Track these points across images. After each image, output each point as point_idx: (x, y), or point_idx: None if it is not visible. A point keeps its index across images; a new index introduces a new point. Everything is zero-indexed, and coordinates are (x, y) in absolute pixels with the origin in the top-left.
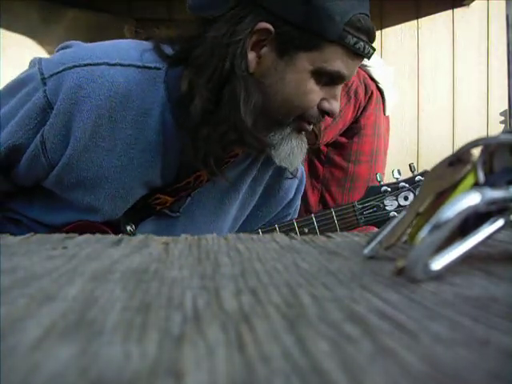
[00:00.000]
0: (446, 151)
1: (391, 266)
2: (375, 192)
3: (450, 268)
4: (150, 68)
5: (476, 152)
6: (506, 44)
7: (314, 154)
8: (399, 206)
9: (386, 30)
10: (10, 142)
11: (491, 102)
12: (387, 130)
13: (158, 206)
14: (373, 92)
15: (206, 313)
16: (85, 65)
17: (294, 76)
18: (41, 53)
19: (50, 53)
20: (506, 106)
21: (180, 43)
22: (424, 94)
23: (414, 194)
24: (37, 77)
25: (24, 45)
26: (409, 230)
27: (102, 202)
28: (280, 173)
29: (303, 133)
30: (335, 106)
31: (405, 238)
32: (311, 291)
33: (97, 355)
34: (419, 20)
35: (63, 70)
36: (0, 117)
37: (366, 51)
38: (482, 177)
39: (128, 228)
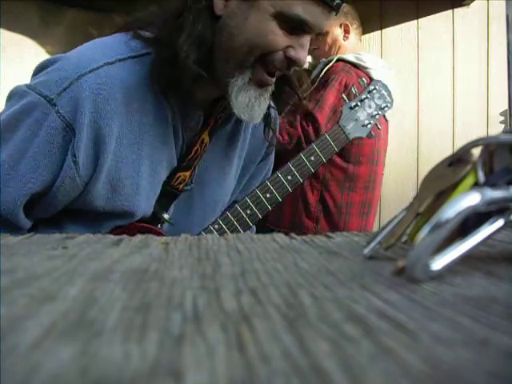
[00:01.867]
0: (446, 151)
1: (391, 266)
2: (347, 109)
3: (450, 268)
4: (143, 55)
5: (476, 152)
6: (506, 44)
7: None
8: (368, 114)
9: (386, 30)
10: (35, 176)
11: (491, 102)
12: (386, 132)
13: (180, 186)
14: None
15: (205, 313)
16: (89, 71)
17: (255, 16)
18: (41, 53)
19: (49, 53)
20: (506, 106)
21: (154, 24)
22: (424, 94)
23: (374, 100)
24: (40, 101)
25: (24, 45)
26: (409, 230)
27: (138, 203)
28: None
29: (266, 88)
30: (301, 54)
31: (405, 237)
32: (311, 291)
33: (97, 355)
34: (419, 20)
35: (70, 84)
36: (8, 154)
37: None
38: (481, 177)
39: (165, 217)
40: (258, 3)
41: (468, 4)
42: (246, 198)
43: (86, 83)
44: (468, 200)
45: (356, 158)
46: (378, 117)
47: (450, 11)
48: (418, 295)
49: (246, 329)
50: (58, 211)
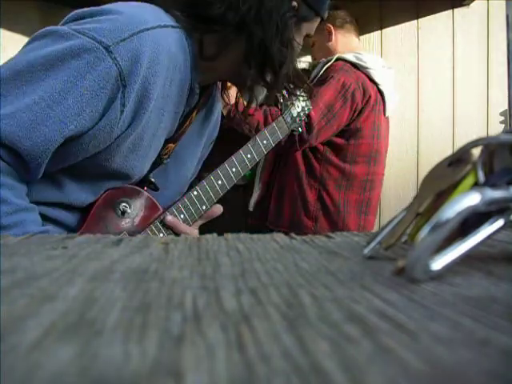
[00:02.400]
0: (446, 151)
1: (391, 266)
2: (285, 105)
3: (450, 268)
4: (178, 27)
5: (476, 152)
6: (506, 44)
7: (311, 153)
8: (297, 112)
9: (386, 30)
10: (80, 117)
11: (491, 102)
12: (387, 130)
13: (165, 156)
14: (371, 95)
15: (205, 313)
16: (147, 29)
17: (298, 38)
18: None
19: None
20: (506, 106)
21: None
22: (424, 94)
23: (300, 102)
24: (94, 46)
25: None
26: (409, 230)
27: (142, 162)
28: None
29: None
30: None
31: (405, 237)
32: (311, 291)
33: (97, 355)
34: (419, 20)
35: (132, 35)
36: (47, 93)
37: (324, 17)
38: (481, 177)
39: (152, 179)
40: (301, 27)
41: (468, 4)
42: (218, 170)
43: (145, 39)
44: (468, 200)
45: (353, 158)
46: (302, 114)
47: (450, 11)
48: (417, 295)
49: (246, 329)
50: (68, 164)
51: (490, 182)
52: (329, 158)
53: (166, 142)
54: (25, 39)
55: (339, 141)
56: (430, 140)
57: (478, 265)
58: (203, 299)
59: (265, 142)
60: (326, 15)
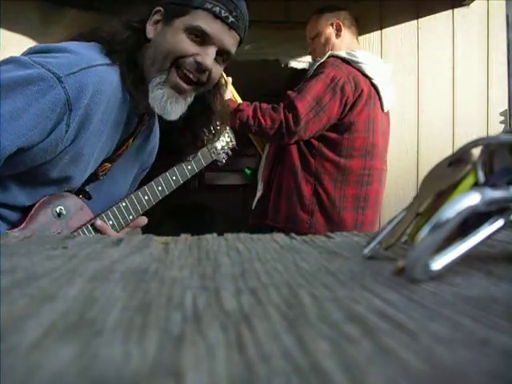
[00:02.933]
0: (446, 151)
1: (391, 266)
2: (208, 140)
3: (450, 268)
4: (117, 64)
5: (476, 152)
6: (506, 44)
7: (306, 148)
8: (221, 146)
9: (386, 30)
10: (31, 133)
11: (491, 102)
12: (387, 125)
13: (100, 173)
14: (363, 90)
15: (205, 313)
16: (93, 66)
17: (171, 33)
18: None
19: None
20: (506, 106)
21: (117, 43)
22: (424, 94)
23: (224, 138)
24: (48, 76)
25: (24, 45)
26: (409, 230)
27: (80, 174)
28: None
29: (183, 96)
30: (206, 59)
31: (405, 237)
32: (311, 291)
33: (97, 355)
34: (419, 20)
35: (80, 70)
36: (5, 111)
37: (222, 15)
38: (481, 177)
39: (87, 189)
40: (173, 23)
41: (468, 4)
42: (145, 187)
43: (91, 74)
44: (468, 200)
45: (348, 152)
46: (226, 148)
47: (450, 11)
48: (417, 295)
49: (245, 329)
50: (17, 171)
51: (490, 182)
52: (324, 153)
53: (104, 161)
54: (25, 39)
55: (333, 135)
56: (430, 140)
57: (478, 265)
58: (203, 299)
59: (189, 167)
60: (204, 4)
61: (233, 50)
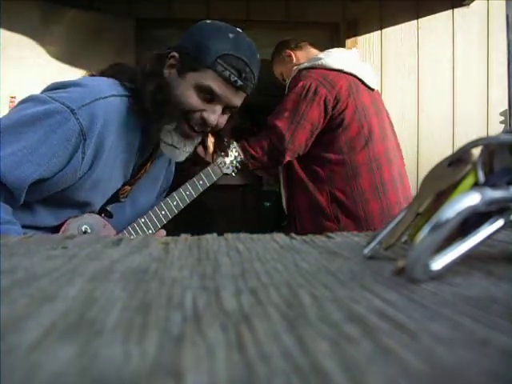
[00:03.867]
0: (446, 151)
1: (391, 266)
2: (221, 156)
3: (450, 268)
4: (127, 96)
5: (476, 152)
6: (506, 44)
7: (308, 161)
8: (230, 161)
9: (386, 30)
10: (51, 161)
11: (491, 102)
12: (381, 104)
13: (121, 195)
14: (341, 85)
15: (205, 313)
16: (105, 97)
17: (183, 86)
18: (41, 53)
19: (49, 52)
20: (506, 106)
21: (133, 79)
22: (424, 94)
23: (233, 152)
24: (63, 109)
25: (24, 45)
26: (409, 230)
27: (99, 198)
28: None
29: (191, 140)
30: (211, 116)
31: (405, 237)
32: (311, 291)
33: (97, 355)
34: (419, 20)
35: (91, 102)
36: (28, 143)
37: (232, 79)
38: (481, 177)
39: (109, 209)
40: (186, 76)
41: (468, 4)
42: (162, 203)
43: (100, 105)
44: (468, 200)
45: (348, 147)
46: (235, 162)
47: (450, 11)
48: (417, 295)
49: (245, 329)
50: (43, 196)
51: (490, 182)
52: (326, 157)
53: (124, 184)
54: (25, 39)
55: (328, 136)
56: (430, 140)
57: (478, 265)
58: (203, 299)
59: (201, 182)
60: (215, 66)
61: (239, 104)
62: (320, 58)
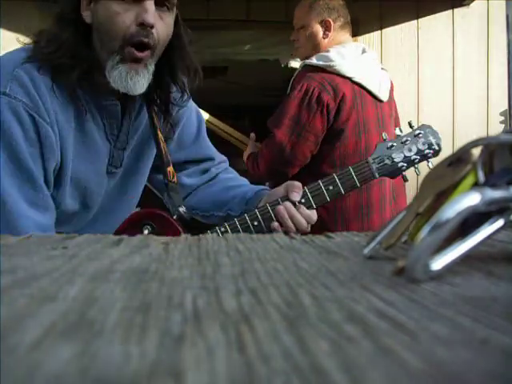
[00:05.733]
0: (446, 151)
1: (391, 266)
2: (383, 147)
3: (450, 268)
4: (31, 59)
5: (476, 152)
6: (506, 44)
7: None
8: (405, 156)
9: (386, 30)
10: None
11: (491, 102)
12: (389, 116)
13: (171, 182)
14: (345, 93)
15: (205, 313)
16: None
17: (103, 9)
18: None
19: None
20: (506, 106)
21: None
22: (424, 94)
23: (416, 145)
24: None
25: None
26: (409, 230)
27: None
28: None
29: (143, 64)
30: (146, 16)
31: (405, 237)
32: (311, 291)
33: (97, 355)
34: (419, 20)
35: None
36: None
37: None
38: (481, 177)
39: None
40: None
41: (468, 4)
42: (256, 210)
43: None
44: (468, 200)
45: (341, 161)
46: (416, 161)
47: (450, 11)
48: (417, 295)
49: (245, 329)
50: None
51: (490, 182)
52: (317, 169)
53: (162, 168)
54: (25, 39)
55: (324, 147)
56: None
57: (478, 265)
58: (203, 299)
59: (331, 187)
60: None
61: None
62: (331, 60)
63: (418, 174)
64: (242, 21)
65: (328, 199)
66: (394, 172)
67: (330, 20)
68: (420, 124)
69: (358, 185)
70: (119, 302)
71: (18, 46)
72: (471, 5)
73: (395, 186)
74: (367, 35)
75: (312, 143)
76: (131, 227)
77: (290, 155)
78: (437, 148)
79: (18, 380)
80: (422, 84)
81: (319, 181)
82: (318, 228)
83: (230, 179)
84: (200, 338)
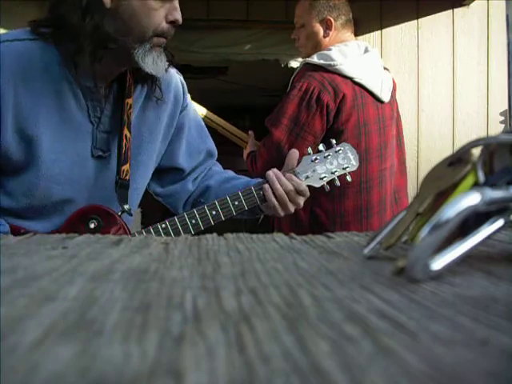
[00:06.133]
0: (446, 151)
1: (391, 266)
2: (308, 160)
3: (450, 268)
4: (38, 39)
5: (476, 152)
6: (506, 44)
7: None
8: (327, 169)
9: (386, 30)
10: None
11: (491, 102)
12: (390, 118)
13: (122, 179)
14: (345, 94)
15: (205, 313)
16: None
17: (137, 1)
18: None
19: None
20: (506, 106)
21: (49, 20)
22: (424, 94)
23: (337, 160)
24: None
25: None
26: (409, 230)
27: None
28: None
29: (162, 47)
30: (178, 15)
31: (405, 237)
32: (311, 291)
33: (97, 355)
34: (419, 20)
35: None
36: None
37: None
38: (482, 177)
39: (126, 207)
40: None
41: (468, 4)
42: (195, 210)
43: None
44: (468, 200)
45: None
46: (336, 174)
47: (449, 11)
48: (417, 295)
49: (245, 329)
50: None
51: (490, 182)
52: None
53: (117, 165)
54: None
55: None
56: (430, 140)
57: (477, 265)
58: (203, 299)
59: (261, 193)
60: None
61: None
62: (333, 59)
63: (337, 186)
64: (242, 21)
65: (258, 202)
66: (317, 182)
67: (331, 18)
68: (338, 144)
69: None
70: (119, 301)
71: None
72: (471, 5)
73: (397, 189)
74: (367, 35)
75: (310, 144)
76: (78, 221)
77: (286, 154)
78: (354, 163)
79: (18, 380)
80: (421, 84)
81: (251, 187)
82: (317, 230)
83: (223, 171)
84: (200, 338)
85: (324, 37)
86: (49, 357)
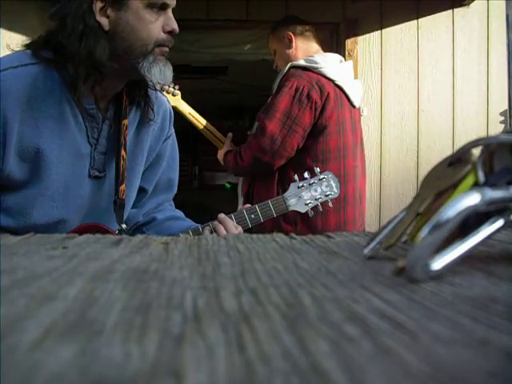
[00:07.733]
0: (446, 151)
1: (391, 265)
2: (295, 187)
3: (450, 268)
4: (39, 63)
5: (476, 152)
6: (506, 44)
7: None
8: (311, 196)
9: (386, 30)
10: None
11: (491, 101)
12: (358, 121)
13: (121, 197)
14: (329, 92)
15: (205, 313)
16: None
17: (133, 17)
18: None
19: None
20: (506, 106)
21: (49, 43)
22: (424, 94)
23: (321, 187)
24: None
25: None
26: (409, 230)
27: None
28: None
29: (165, 55)
30: (174, 25)
31: (405, 237)
32: (311, 291)
33: (97, 355)
34: (419, 20)
35: None
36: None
37: None
38: (482, 177)
39: (123, 226)
40: (128, 4)
41: (468, 4)
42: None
43: None
44: (468, 200)
45: (323, 156)
46: (320, 200)
47: (449, 11)
48: (417, 295)
49: (245, 329)
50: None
51: (490, 182)
52: (301, 161)
53: (116, 184)
54: (25, 39)
55: (308, 142)
56: (430, 140)
57: (477, 265)
58: (203, 299)
59: (252, 216)
60: None
61: None
62: (317, 63)
63: (320, 211)
64: (242, 21)
65: (250, 225)
66: (303, 207)
67: (289, 32)
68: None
69: (274, 215)
70: (119, 301)
71: (18, 46)
72: (471, 5)
73: (361, 188)
74: (367, 35)
75: (300, 136)
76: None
77: (280, 147)
78: (336, 190)
79: (18, 380)
80: (421, 84)
81: (243, 209)
82: (300, 215)
83: (174, 210)
84: (200, 338)
85: (290, 48)
86: (49, 357)
